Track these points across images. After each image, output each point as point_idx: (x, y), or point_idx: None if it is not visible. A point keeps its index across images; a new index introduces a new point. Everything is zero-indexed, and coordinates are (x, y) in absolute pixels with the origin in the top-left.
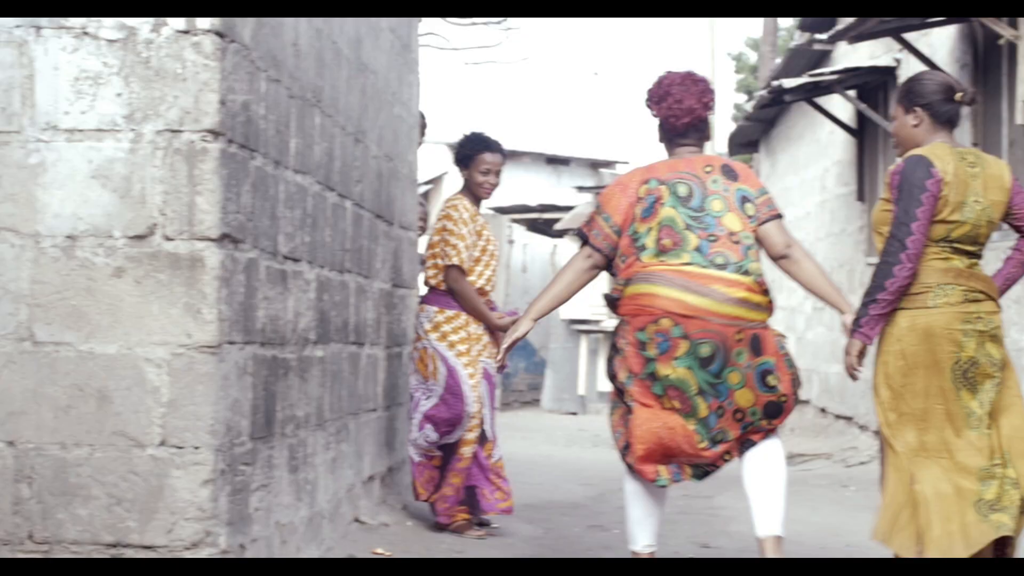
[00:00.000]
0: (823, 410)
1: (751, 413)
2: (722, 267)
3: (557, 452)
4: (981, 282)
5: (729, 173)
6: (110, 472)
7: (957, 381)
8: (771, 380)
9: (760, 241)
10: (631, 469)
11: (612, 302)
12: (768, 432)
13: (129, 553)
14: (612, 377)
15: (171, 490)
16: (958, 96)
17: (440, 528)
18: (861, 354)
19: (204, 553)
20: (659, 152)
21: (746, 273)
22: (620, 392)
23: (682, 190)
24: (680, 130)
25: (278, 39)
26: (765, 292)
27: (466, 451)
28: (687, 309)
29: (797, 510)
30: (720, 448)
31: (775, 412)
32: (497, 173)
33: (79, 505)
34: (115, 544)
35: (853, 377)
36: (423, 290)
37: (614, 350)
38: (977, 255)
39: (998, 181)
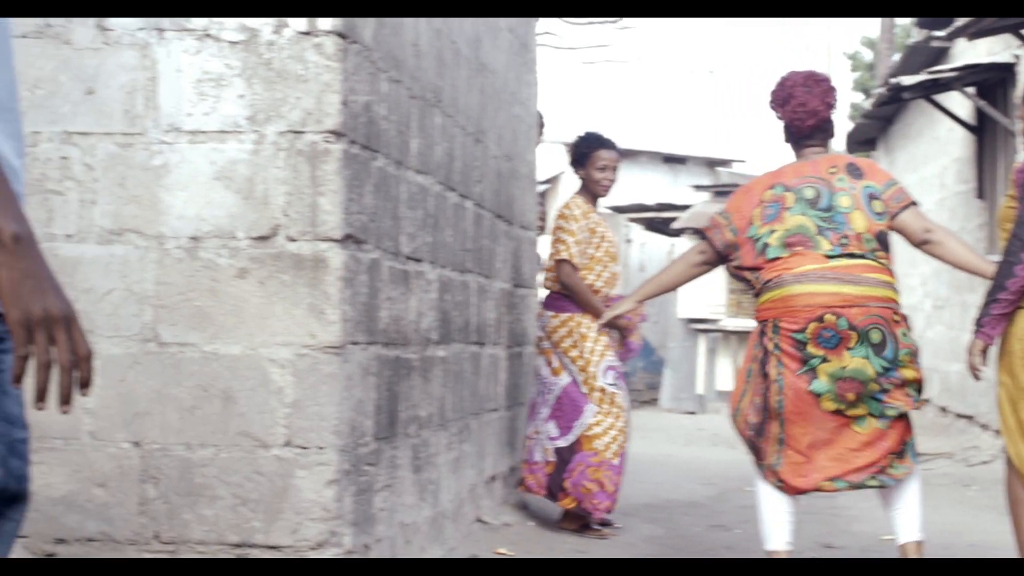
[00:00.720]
0: (944, 409)
1: (913, 388)
2: (861, 256)
3: (676, 451)
4: None
5: (854, 171)
6: (235, 472)
7: None
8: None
9: (900, 231)
10: (764, 472)
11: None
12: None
13: (255, 554)
14: (764, 377)
15: (296, 490)
16: None
17: (582, 528)
18: (983, 353)
19: (329, 553)
20: (781, 151)
21: (878, 261)
22: (764, 394)
23: (809, 193)
24: (805, 132)
25: (398, 39)
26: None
27: (598, 444)
28: (845, 300)
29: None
30: (886, 429)
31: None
32: (614, 169)
33: (204, 505)
34: (240, 544)
35: (976, 377)
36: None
37: (763, 353)
38: None
39: None
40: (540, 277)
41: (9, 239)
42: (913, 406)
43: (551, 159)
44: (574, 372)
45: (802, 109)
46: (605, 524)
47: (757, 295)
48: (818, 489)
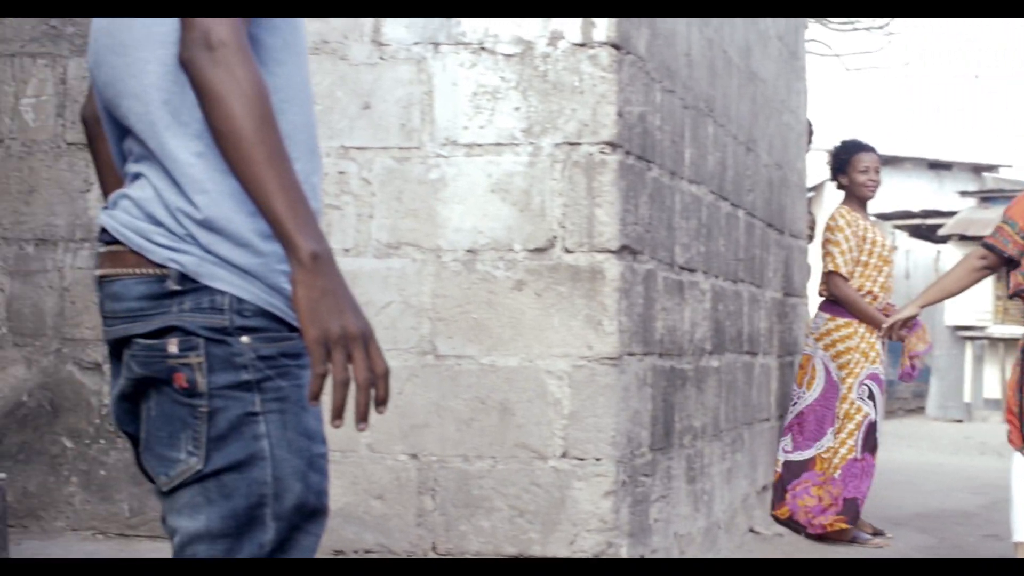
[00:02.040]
0: None
1: None
2: None
3: (945, 460)
4: None
5: None
6: (512, 484)
7: None
8: None
9: None
10: None
11: None
12: None
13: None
14: None
15: (573, 502)
16: None
17: (816, 538)
18: None
19: None
20: None
21: None
22: None
23: None
24: None
25: (671, 49)
26: None
27: (827, 465)
28: None
29: None
30: None
31: None
32: (876, 171)
33: (482, 517)
34: (517, 556)
35: None
36: (814, 300)
37: None
38: None
39: None
40: (810, 285)
41: (308, 257)
42: None
43: (817, 166)
44: (836, 378)
45: None
46: (877, 534)
47: None
48: None
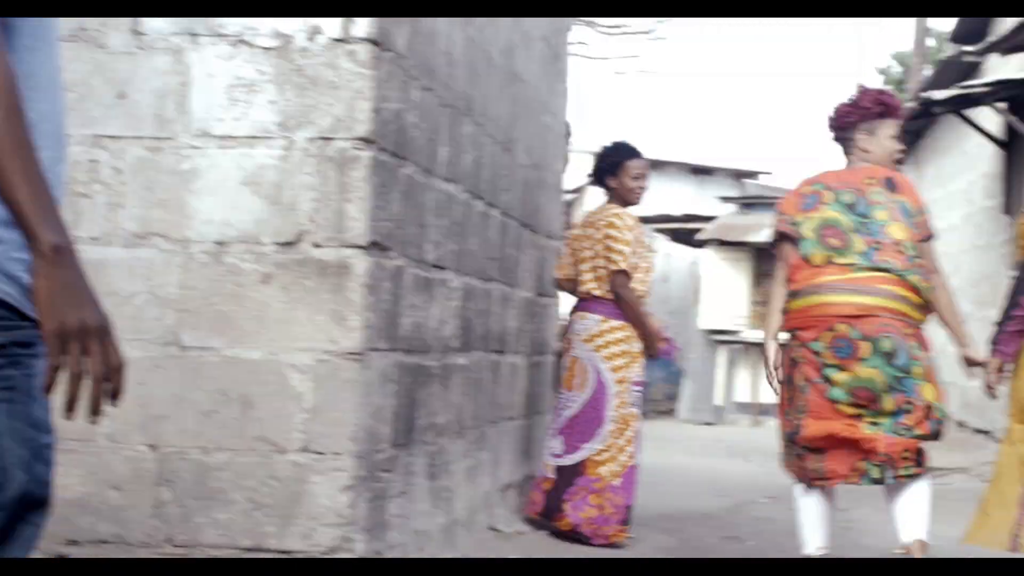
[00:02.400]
0: (961, 424)
1: (937, 410)
2: (886, 271)
3: (692, 462)
4: None
5: (890, 185)
6: (250, 477)
7: None
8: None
9: None
10: (800, 475)
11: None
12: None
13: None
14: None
15: (310, 496)
16: None
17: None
18: (999, 371)
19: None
20: (807, 164)
21: (905, 279)
22: (791, 401)
23: (847, 198)
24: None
25: (431, 47)
26: (924, 299)
27: (603, 471)
28: (859, 309)
29: (934, 525)
30: (901, 441)
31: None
32: (646, 177)
33: (219, 509)
34: (253, 549)
35: (992, 396)
36: (566, 299)
37: (792, 362)
38: None
39: None
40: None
41: (49, 249)
42: (928, 430)
43: (579, 168)
44: (608, 383)
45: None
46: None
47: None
48: (841, 478)
